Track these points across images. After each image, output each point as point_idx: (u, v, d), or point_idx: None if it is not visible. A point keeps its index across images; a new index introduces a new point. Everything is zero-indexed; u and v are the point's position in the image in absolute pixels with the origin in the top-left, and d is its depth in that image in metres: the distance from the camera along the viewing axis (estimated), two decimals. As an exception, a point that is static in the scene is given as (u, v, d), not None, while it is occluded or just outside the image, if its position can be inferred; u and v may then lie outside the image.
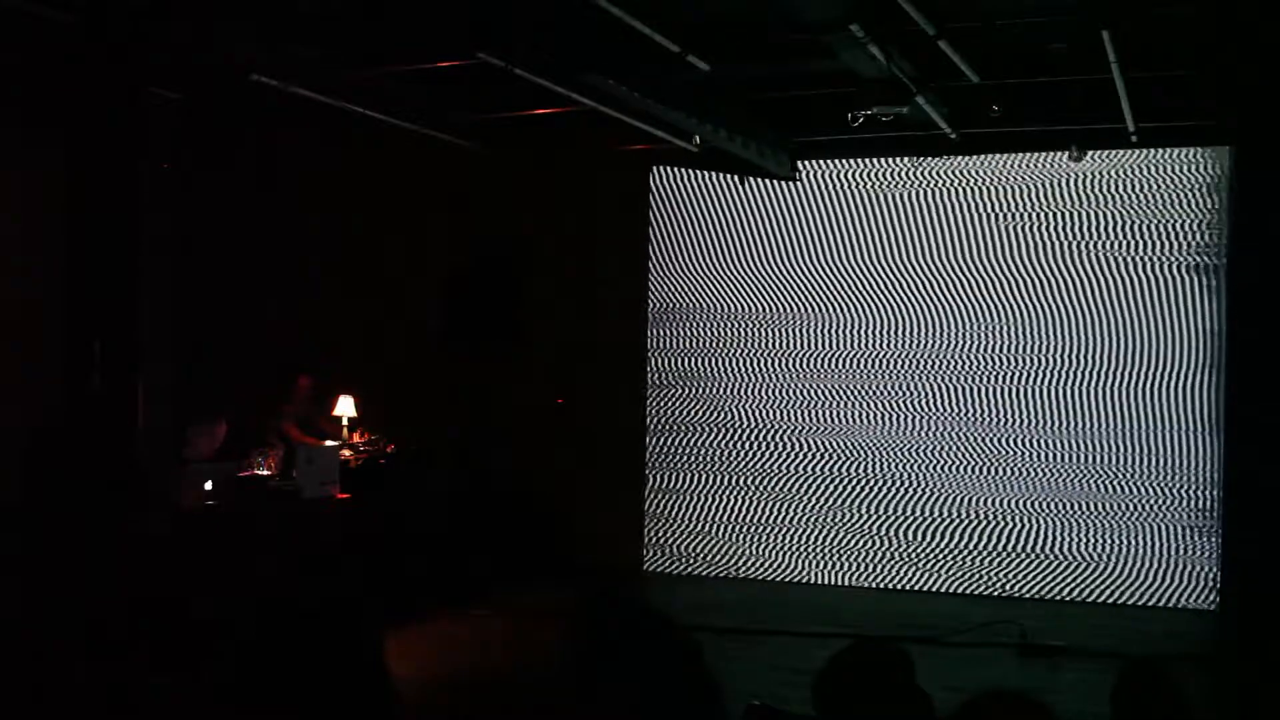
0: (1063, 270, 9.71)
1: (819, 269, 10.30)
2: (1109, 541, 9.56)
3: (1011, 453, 9.82)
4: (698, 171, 10.49)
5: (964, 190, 9.96)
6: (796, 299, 10.36)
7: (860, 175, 10.21)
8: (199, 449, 7.92)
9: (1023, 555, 9.76)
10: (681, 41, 7.00)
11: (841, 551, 10.21)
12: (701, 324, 10.63)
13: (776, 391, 10.42)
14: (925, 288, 10.05)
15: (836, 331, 10.26)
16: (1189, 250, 9.43)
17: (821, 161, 10.19)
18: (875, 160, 10.08)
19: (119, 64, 6.34)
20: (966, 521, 9.91)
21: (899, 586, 9.99)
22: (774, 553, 10.38)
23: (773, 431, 10.43)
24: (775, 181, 10.27)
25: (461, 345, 10.84)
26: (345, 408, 9.92)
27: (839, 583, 10.15)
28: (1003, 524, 9.82)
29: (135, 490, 6.31)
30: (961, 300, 9.96)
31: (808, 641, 8.13)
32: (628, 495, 10.69)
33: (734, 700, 2.76)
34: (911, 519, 10.03)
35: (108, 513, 6.24)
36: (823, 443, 10.29)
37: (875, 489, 10.14)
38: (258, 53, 7.15)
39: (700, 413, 10.63)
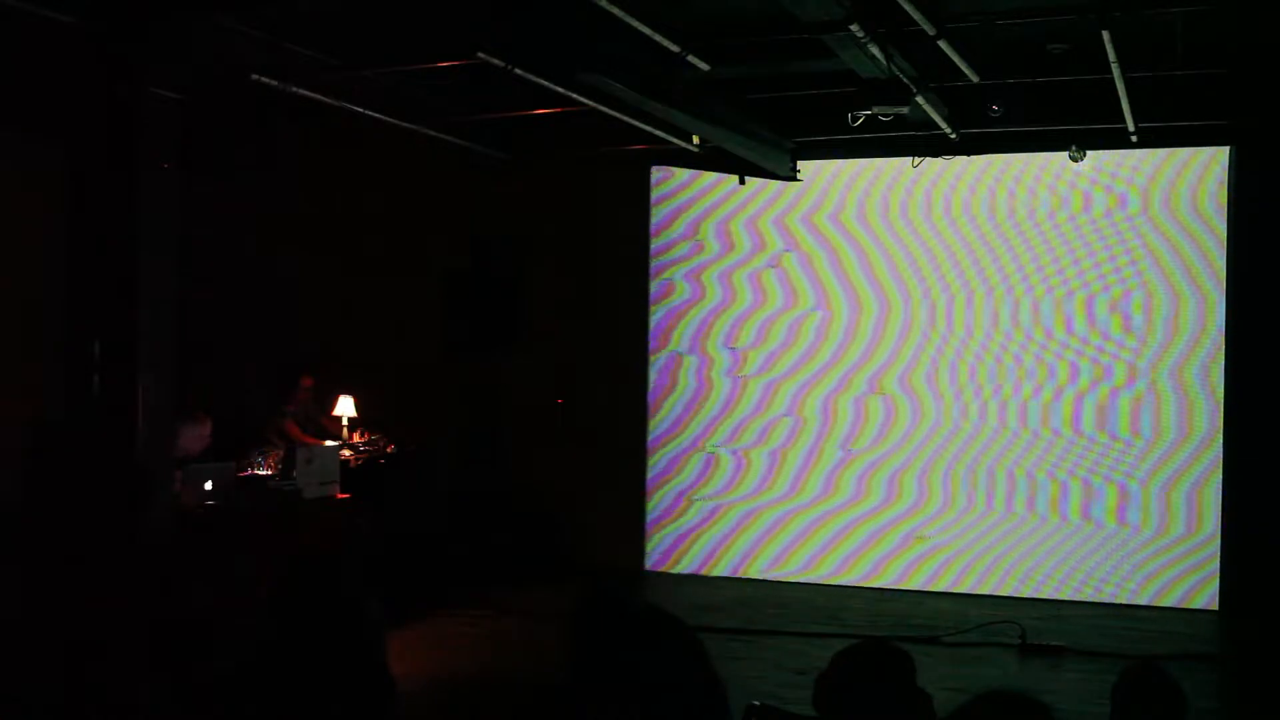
0: (1060, 270, 9.71)
1: (818, 269, 10.30)
2: (1109, 541, 9.56)
3: (1011, 454, 9.82)
4: (697, 172, 10.48)
5: (964, 190, 9.96)
6: (796, 299, 10.36)
7: (861, 174, 10.21)
8: (184, 447, 7.86)
9: (1023, 555, 9.76)
10: (681, 41, 7.00)
11: (841, 551, 10.20)
12: (701, 324, 10.62)
13: (776, 391, 10.41)
14: (925, 289, 10.04)
15: (836, 331, 10.25)
16: (1188, 250, 9.42)
17: (821, 161, 10.19)
18: (876, 160, 10.07)
19: (119, 64, 6.34)
20: (967, 521, 9.91)
21: (899, 586, 9.99)
22: (774, 553, 10.37)
23: (773, 431, 10.42)
24: (775, 181, 10.26)
25: (462, 345, 10.84)
26: (345, 408, 9.93)
27: (839, 583, 10.14)
28: (1003, 523, 9.82)
29: (135, 490, 6.31)
30: (961, 301, 9.96)
31: (808, 641, 8.14)
32: (628, 495, 10.68)
33: (735, 700, 2.76)
34: (911, 519, 10.03)
35: (108, 513, 6.24)
36: (822, 441, 10.29)
37: (876, 488, 10.14)
38: (258, 53, 7.15)
39: (700, 412, 10.62)
